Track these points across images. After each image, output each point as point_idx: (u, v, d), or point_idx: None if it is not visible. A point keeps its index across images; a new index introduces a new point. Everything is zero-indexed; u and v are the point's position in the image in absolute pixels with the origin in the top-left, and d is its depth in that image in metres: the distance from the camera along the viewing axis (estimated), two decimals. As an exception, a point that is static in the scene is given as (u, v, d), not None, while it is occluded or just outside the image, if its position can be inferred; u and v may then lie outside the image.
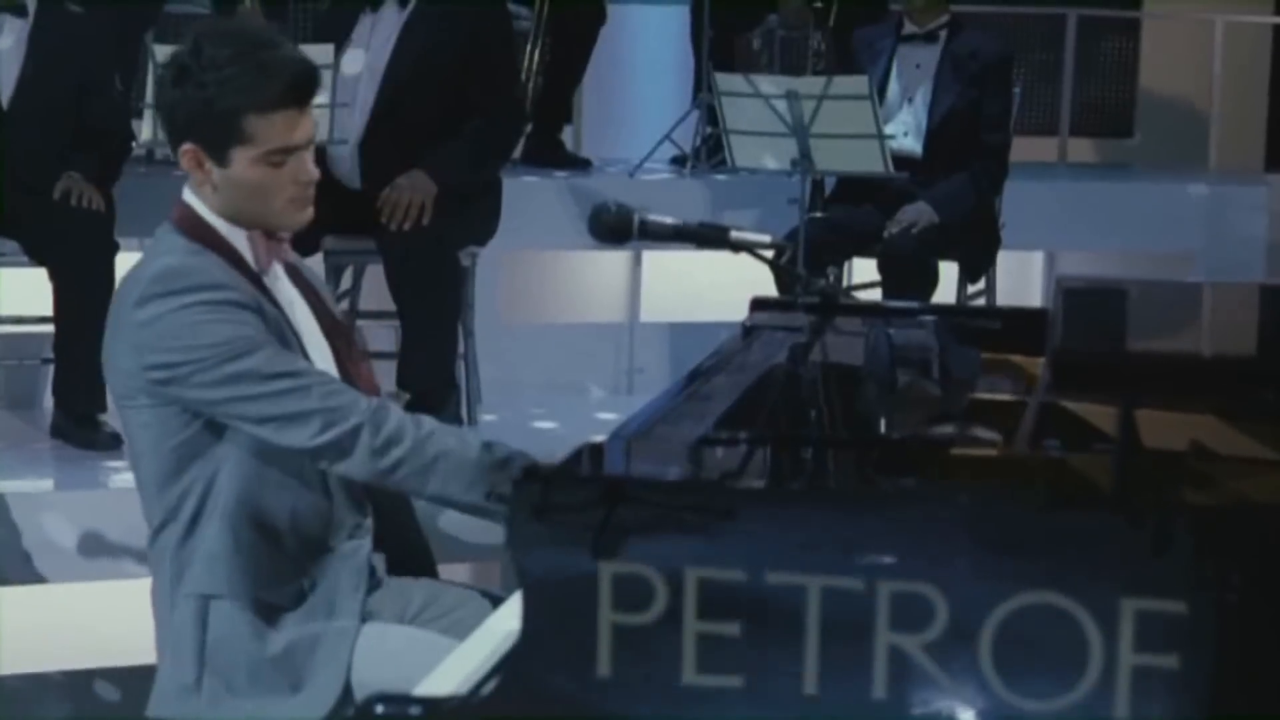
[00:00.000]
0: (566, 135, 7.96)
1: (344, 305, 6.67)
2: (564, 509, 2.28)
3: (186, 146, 3.16)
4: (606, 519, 2.25)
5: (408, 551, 3.43)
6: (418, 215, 6.00)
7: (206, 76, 3.10)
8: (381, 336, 6.53)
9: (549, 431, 6.49)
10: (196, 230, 3.20)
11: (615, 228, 3.21)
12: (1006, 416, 3.04)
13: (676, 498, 2.33)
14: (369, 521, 3.31)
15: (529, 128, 7.60)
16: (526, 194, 7.04)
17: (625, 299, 7.42)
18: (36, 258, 5.99)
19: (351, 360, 3.33)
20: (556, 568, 2.27)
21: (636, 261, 7.44)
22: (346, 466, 3.09)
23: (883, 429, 2.87)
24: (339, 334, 3.35)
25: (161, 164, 6.97)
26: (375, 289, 6.50)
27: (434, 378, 6.19)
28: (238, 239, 3.20)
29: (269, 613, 3.16)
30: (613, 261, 7.41)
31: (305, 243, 6.21)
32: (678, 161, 7.74)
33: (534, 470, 2.33)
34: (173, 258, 3.16)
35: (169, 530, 3.21)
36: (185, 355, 3.08)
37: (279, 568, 3.19)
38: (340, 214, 6.08)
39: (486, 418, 6.51)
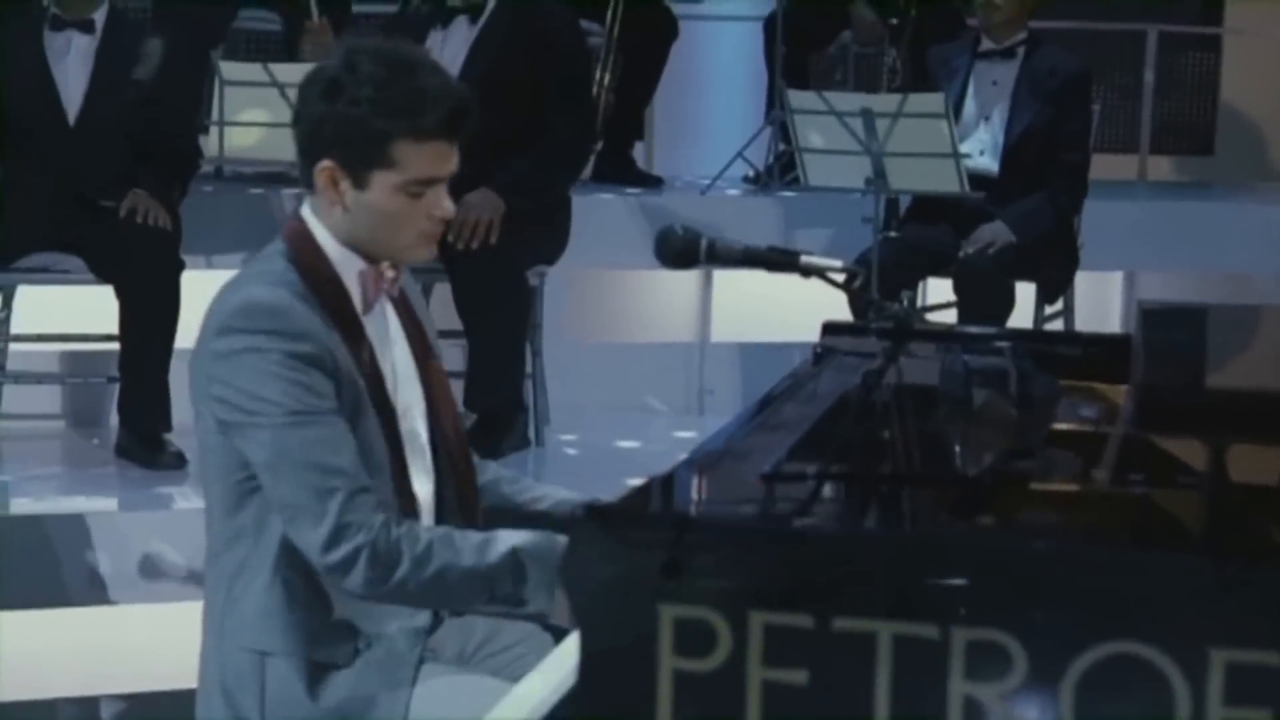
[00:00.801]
0: (638, 152, 7.86)
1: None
2: (624, 548, 2.18)
3: (325, 164, 3.04)
4: (668, 560, 2.15)
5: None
6: (486, 234, 5.93)
7: (361, 93, 2.98)
8: (449, 356, 6.41)
9: (619, 453, 6.42)
10: (305, 253, 3.09)
11: (682, 252, 3.11)
12: (1088, 448, 2.93)
13: (742, 538, 2.23)
14: None
15: (600, 145, 7.53)
16: (597, 212, 6.96)
17: (696, 319, 7.33)
18: (102, 275, 5.95)
19: (442, 403, 3.23)
20: (615, 609, 2.17)
21: (707, 281, 7.35)
22: (350, 588, 3.00)
23: (958, 464, 2.76)
24: (435, 375, 3.24)
25: (231, 180, 6.93)
26: (443, 307, 6.43)
27: (501, 398, 6.13)
28: (348, 270, 3.10)
29: (323, 671, 3.08)
30: (683, 281, 7.31)
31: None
32: (750, 179, 7.64)
33: (594, 508, 2.23)
34: (262, 290, 3.05)
35: (225, 560, 3.14)
36: (245, 402, 3.00)
37: (333, 628, 3.11)
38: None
39: (557, 438, 6.42)
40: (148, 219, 5.91)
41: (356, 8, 7.28)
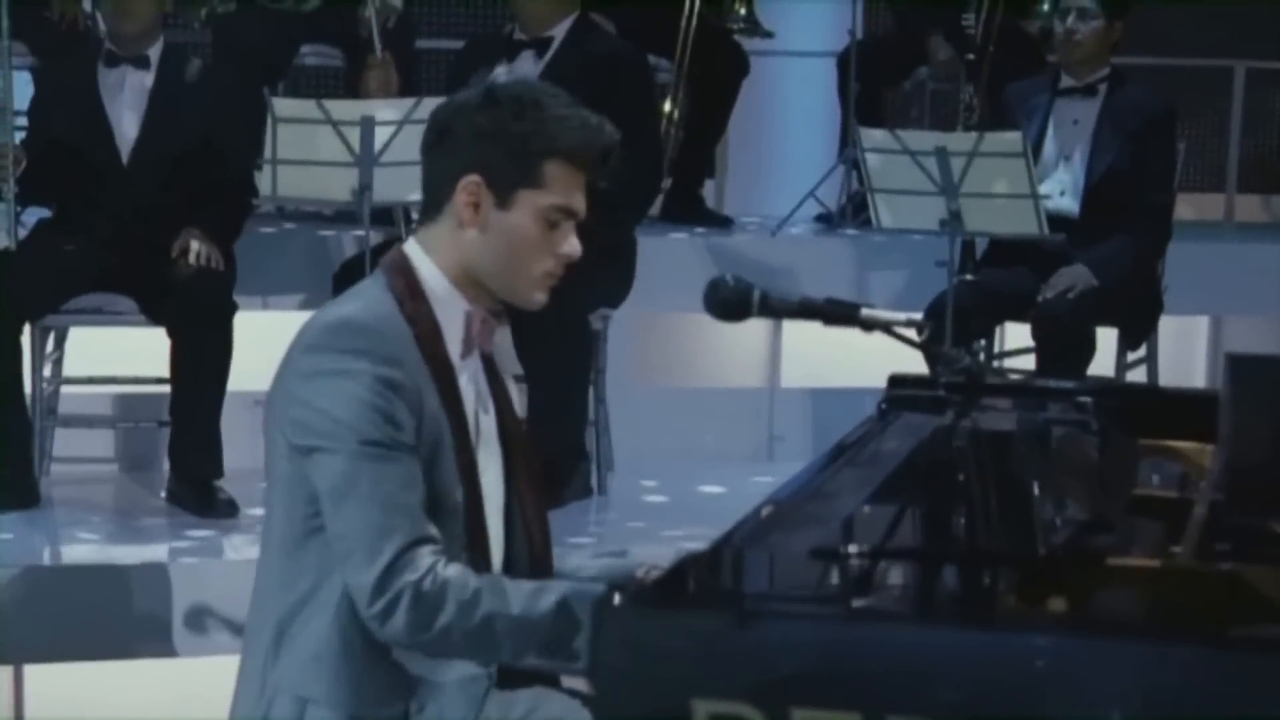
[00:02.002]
0: (708, 190, 7.67)
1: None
2: (653, 636, 1.98)
3: (472, 178, 2.93)
4: (702, 649, 1.94)
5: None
6: (546, 277, 5.75)
7: (528, 111, 2.92)
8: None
9: (685, 503, 6.22)
10: (405, 286, 2.96)
11: (732, 304, 2.92)
12: (1172, 516, 2.72)
13: (787, 624, 2.02)
14: None
15: (668, 183, 7.35)
16: (663, 252, 6.79)
17: (765, 363, 7.14)
18: (153, 317, 5.83)
19: (525, 471, 3.08)
20: (645, 703, 1.97)
21: (777, 325, 7.15)
22: (393, 636, 2.84)
23: (1029, 539, 2.54)
24: (516, 442, 3.09)
25: (288, 219, 6.79)
26: (503, 351, 6.26)
27: (562, 446, 5.96)
28: (451, 311, 2.97)
29: None
30: (752, 324, 7.07)
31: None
32: (823, 219, 7.44)
33: (622, 588, 2.02)
34: (358, 309, 2.94)
35: (279, 599, 2.97)
36: (322, 424, 2.86)
37: (385, 684, 2.95)
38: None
39: (621, 487, 6.24)
40: (200, 259, 5.77)
41: (421, 43, 7.12)
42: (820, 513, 2.48)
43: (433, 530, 2.86)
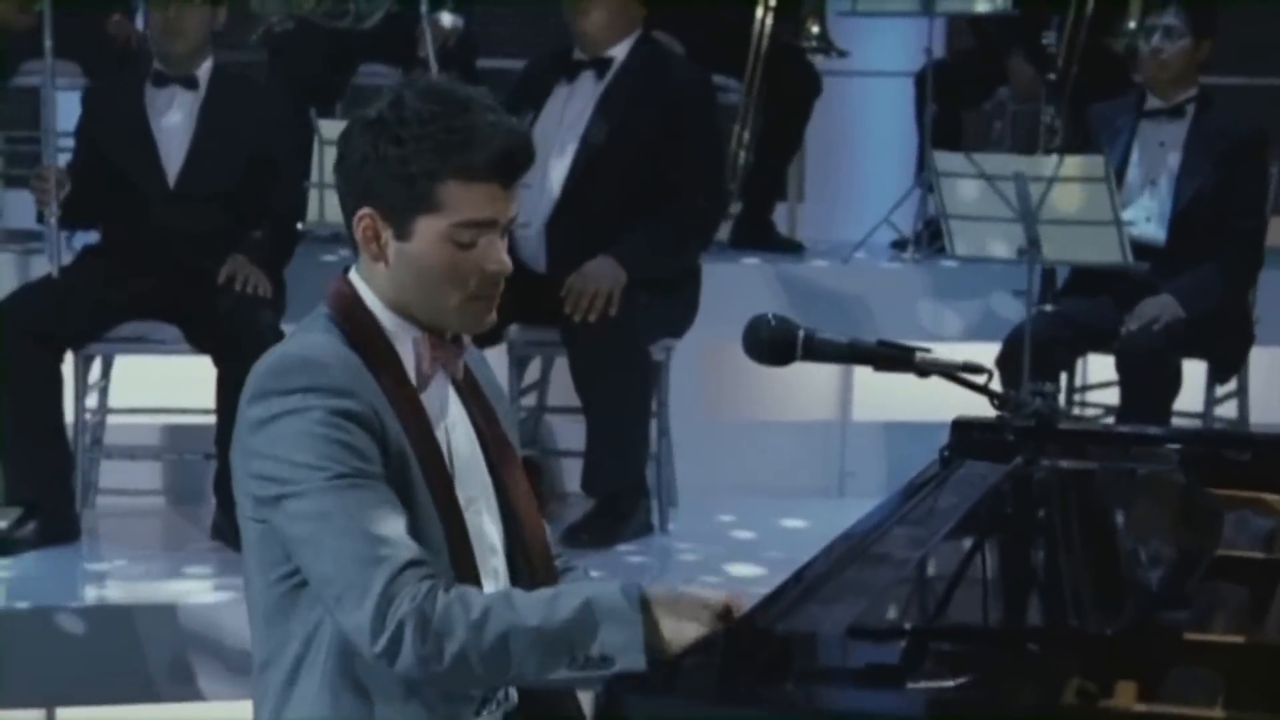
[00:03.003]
0: (781, 215, 7.41)
1: (530, 400, 6.23)
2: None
3: (364, 211, 2.71)
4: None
5: (555, 714, 2.89)
6: (604, 306, 5.53)
7: (405, 132, 2.65)
8: (574, 433, 6.07)
9: (751, 541, 6.00)
10: (350, 317, 2.74)
11: (774, 346, 2.67)
12: (1260, 580, 2.45)
13: (821, 715, 1.78)
14: (509, 692, 2.80)
15: (737, 207, 7.12)
16: (730, 279, 6.56)
17: (836, 395, 6.88)
18: (199, 345, 5.66)
19: (518, 500, 2.85)
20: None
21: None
22: (404, 670, 2.59)
23: (1094, 608, 2.28)
24: (506, 464, 2.86)
25: (345, 241, 6.58)
26: (562, 383, 6.05)
27: (622, 481, 5.75)
28: (402, 339, 2.74)
29: None
30: (824, 355, 6.85)
31: (487, 332, 5.83)
32: (898, 246, 7.17)
33: (633, 675, 1.78)
34: (295, 345, 2.72)
35: (271, 672, 2.75)
36: (282, 471, 2.64)
37: None
38: (525, 301, 5.66)
39: (683, 524, 6.03)
40: (247, 286, 5.59)
41: (482, 62, 6.91)
42: (865, 579, 2.23)
43: (423, 554, 2.62)
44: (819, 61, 7.26)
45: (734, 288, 6.52)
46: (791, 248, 7.14)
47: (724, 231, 7.10)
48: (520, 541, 2.85)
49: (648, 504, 5.87)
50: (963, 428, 3.17)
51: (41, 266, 5.88)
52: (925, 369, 2.72)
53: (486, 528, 2.81)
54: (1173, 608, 2.22)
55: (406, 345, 2.73)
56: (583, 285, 5.56)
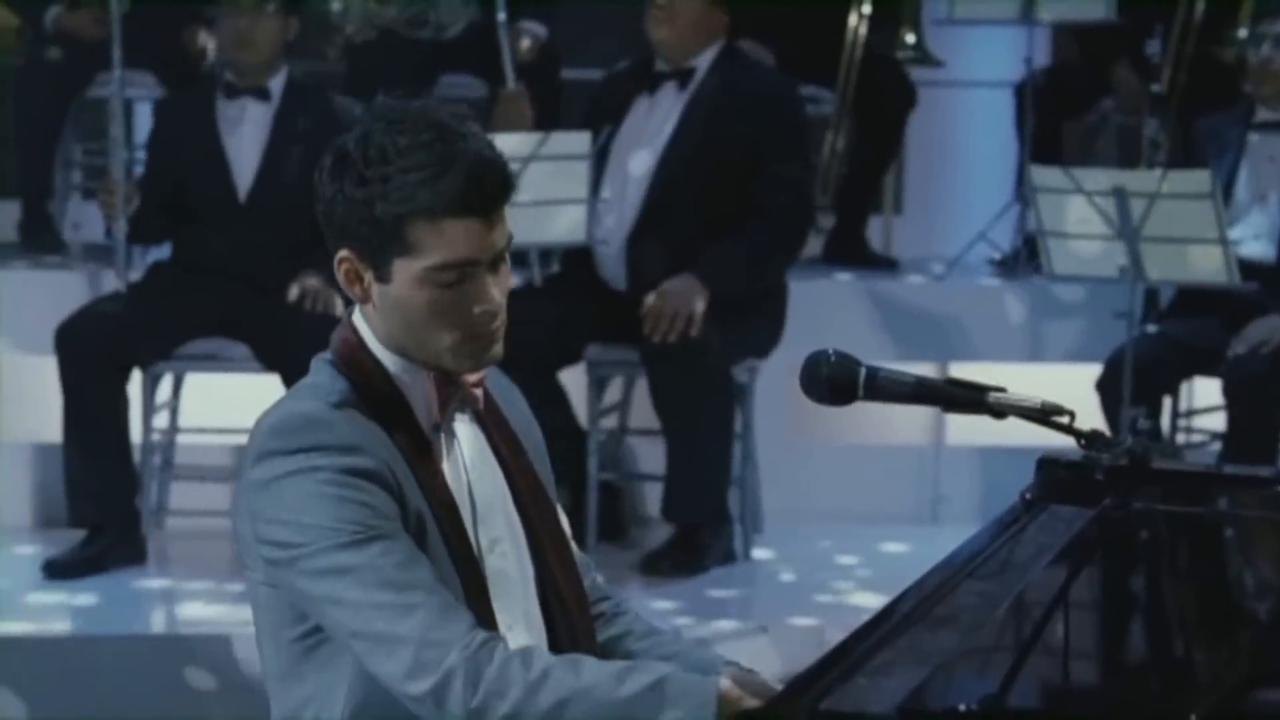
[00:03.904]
0: (876, 229, 7.16)
1: (611, 422, 6.03)
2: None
3: (343, 253, 2.52)
4: None
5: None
6: (685, 326, 5.33)
7: (370, 171, 2.47)
8: (657, 456, 5.88)
9: (839, 569, 5.79)
10: (355, 364, 2.55)
11: (833, 386, 2.45)
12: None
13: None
14: None
15: (830, 221, 6.89)
16: (819, 297, 6.33)
17: (930, 418, 6.62)
18: (268, 364, 5.51)
19: (543, 532, 2.64)
20: None
21: (943, 374, 6.62)
22: None
23: (1190, 690, 2.05)
24: (536, 499, 2.65)
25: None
26: (643, 405, 5.86)
27: (703, 508, 5.56)
28: (408, 381, 2.55)
29: None
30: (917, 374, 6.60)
31: (567, 351, 5.66)
32: (996, 263, 6.91)
33: None
34: (301, 403, 2.53)
35: None
36: (294, 534, 2.45)
37: None
38: (606, 319, 5.51)
39: (768, 552, 5.83)
40: (317, 305, 5.43)
41: (566, 73, 6.71)
42: (926, 645, 2.01)
43: (456, 601, 2.44)
44: (916, 72, 7.02)
45: (823, 305, 6.30)
46: (885, 264, 6.90)
47: (816, 246, 6.89)
48: (551, 581, 2.65)
49: (730, 531, 5.66)
50: (1048, 466, 2.93)
51: (113, 282, 5.75)
52: (1000, 410, 2.49)
53: (512, 570, 2.61)
54: (1271, 686, 1.99)
55: (415, 388, 2.55)
56: (662, 305, 5.36)
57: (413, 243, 2.46)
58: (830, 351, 2.49)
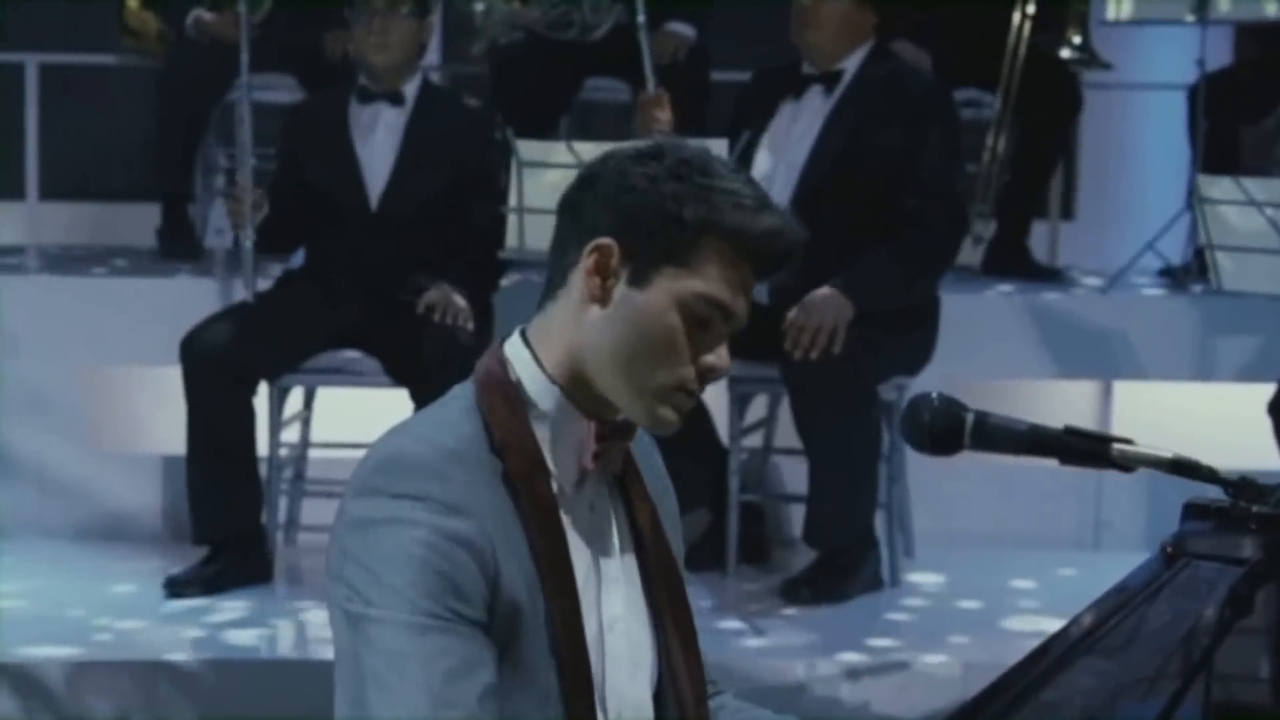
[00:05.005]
0: (1042, 237, 6.85)
1: (755, 441, 5.80)
2: None
3: (605, 241, 2.28)
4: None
5: None
6: (827, 343, 5.07)
7: (693, 173, 2.29)
8: (792, 474, 5.65)
9: (995, 597, 5.49)
10: (493, 402, 2.30)
11: (936, 433, 2.19)
12: None
13: None
14: None
15: (992, 229, 6.60)
16: (975, 310, 6.05)
17: (1093, 437, 6.31)
18: (398, 378, 5.33)
19: (673, 628, 2.41)
20: None
21: (1106, 393, 6.33)
22: None
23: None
24: (668, 587, 2.42)
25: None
26: (784, 423, 5.62)
27: (846, 533, 5.32)
28: (563, 422, 2.32)
29: None
30: (1079, 393, 6.32)
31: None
32: (1166, 275, 6.57)
33: None
34: (418, 443, 2.28)
35: None
36: (369, 587, 2.23)
37: None
38: (747, 333, 5.19)
39: (919, 578, 5.58)
40: (447, 317, 5.24)
41: (716, 75, 6.47)
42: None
43: None
44: (1088, 75, 6.69)
45: (978, 319, 6.01)
46: (1048, 275, 6.58)
47: (975, 256, 6.60)
48: (670, 671, 2.41)
49: (877, 556, 5.40)
50: (1196, 513, 2.65)
51: (243, 291, 5.61)
52: (1126, 464, 2.23)
53: (626, 655, 2.38)
54: None
55: (564, 436, 2.32)
56: (804, 320, 5.11)
57: (699, 260, 2.27)
58: (934, 395, 2.23)
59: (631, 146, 2.36)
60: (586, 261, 2.28)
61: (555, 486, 2.31)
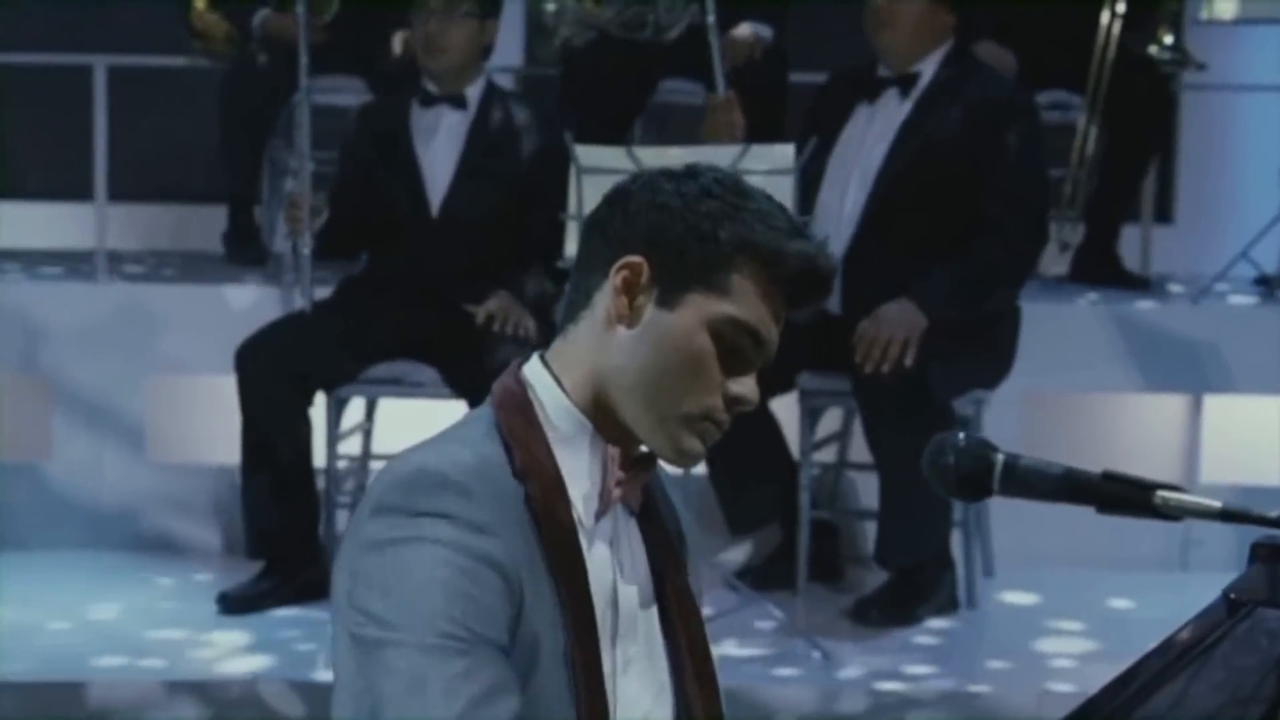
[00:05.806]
0: (1132, 241, 6.61)
1: (828, 455, 5.61)
2: None
3: (634, 259, 2.19)
4: None
5: None
6: (899, 355, 4.89)
7: (728, 194, 2.20)
8: (867, 489, 5.47)
9: (1079, 618, 5.30)
10: (511, 424, 2.19)
11: (962, 476, 2.01)
12: None
13: None
14: None
15: (1080, 235, 6.37)
16: (1058, 321, 5.84)
17: (1181, 454, 6.09)
18: (456, 389, 5.19)
19: (691, 666, 2.29)
20: None
21: (1196, 408, 6.09)
22: None
23: None
24: (686, 626, 2.30)
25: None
26: (855, 437, 5.44)
27: (919, 552, 5.14)
28: (582, 453, 2.21)
29: None
30: (1167, 407, 6.09)
31: (778, 378, 5.23)
32: (1262, 283, 6.32)
33: None
34: (441, 456, 2.15)
35: None
36: (389, 611, 2.08)
37: None
38: (820, 345, 5.08)
39: (998, 599, 5.40)
40: (507, 327, 5.09)
41: (794, 77, 6.28)
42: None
43: None
44: (1186, 75, 6.47)
45: (1062, 330, 5.80)
46: (1135, 283, 6.35)
47: (1062, 264, 6.39)
48: (686, 707, 2.29)
49: (952, 577, 5.21)
50: (1265, 554, 2.45)
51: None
52: (1169, 513, 2.04)
53: (642, 695, 2.26)
54: None
55: (589, 461, 2.21)
56: (875, 332, 4.93)
57: (731, 282, 2.19)
58: (960, 436, 2.05)
59: (666, 169, 2.25)
60: (614, 279, 2.19)
61: (575, 516, 2.18)
